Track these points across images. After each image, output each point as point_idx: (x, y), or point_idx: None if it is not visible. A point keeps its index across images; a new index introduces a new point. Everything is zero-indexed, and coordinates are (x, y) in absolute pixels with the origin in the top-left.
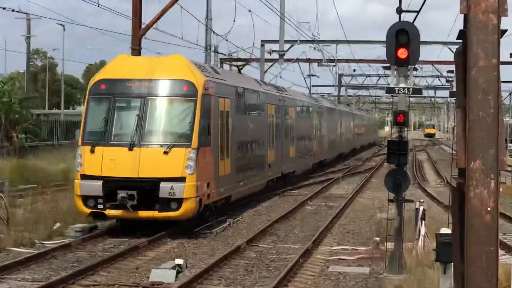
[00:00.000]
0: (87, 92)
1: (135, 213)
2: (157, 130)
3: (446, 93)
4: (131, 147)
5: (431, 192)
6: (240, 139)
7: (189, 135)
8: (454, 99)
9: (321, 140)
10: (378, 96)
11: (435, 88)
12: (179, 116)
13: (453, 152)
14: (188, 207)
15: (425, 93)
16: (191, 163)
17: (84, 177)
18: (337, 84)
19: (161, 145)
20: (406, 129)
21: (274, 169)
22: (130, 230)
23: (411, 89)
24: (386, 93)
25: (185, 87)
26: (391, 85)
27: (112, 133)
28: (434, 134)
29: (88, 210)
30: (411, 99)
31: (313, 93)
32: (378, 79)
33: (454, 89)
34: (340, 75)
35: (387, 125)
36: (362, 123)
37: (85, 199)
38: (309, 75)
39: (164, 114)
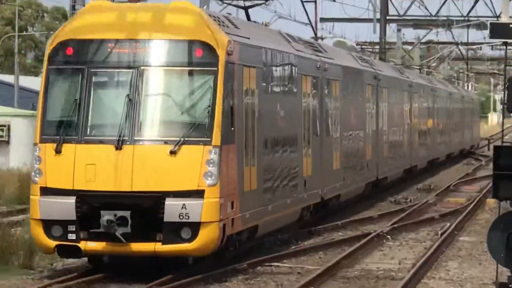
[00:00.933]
0: (46, 60)
1: (126, 246)
2: (159, 118)
3: None
4: (119, 144)
5: None
6: (270, 135)
7: (207, 125)
8: None
9: (385, 141)
10: (469, 45)
11: None
12: (191, 96)
13: None
14: (208, 236)
15: None
16: (212, 169)
17: (46, 191)
18: (374, 16)
19: (166, 142)
20: None
21: (311, 189)
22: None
23: None
24: (491, 37)
25: (199, 51)
26: (503, 19)
27: (89, 123)
28: None
29: (53, 243)
30: None
31: (323, 37)
32: (472, 7)
33: None
34: None
35: (493, 110)
36: (451, 109)
37: (48, 225)
38: None
39: (169, 93)
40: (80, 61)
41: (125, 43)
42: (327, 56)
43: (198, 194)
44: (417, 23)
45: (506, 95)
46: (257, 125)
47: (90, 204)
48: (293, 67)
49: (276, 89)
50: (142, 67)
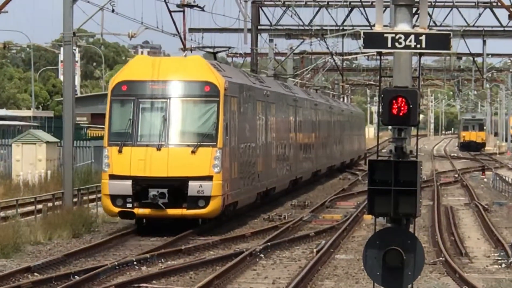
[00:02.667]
0: (109, 93)
1: (164, 211)
2: (183, 130)
3: (507, 45)
4: (158, 147)
5: None
6: (248, 140)
7: (214, 135)
8: None
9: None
10: (344, 55)
11: (483, 35)
12: (203, 116)
13: None
14: (215, 205)
15: (460, 46)
16: (217, 162)
17: (113, 177)
18: (245, 26)
19: (188, 145)
20: (413, 132)
21: (263, 179)
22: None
23: (424, 37)
24: (365, 47)
25: (207, 88)
26: (377, 28)
27: (139, 134)
28: (482, 144)
29: (116, 210)
30: (427, 61)
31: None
32: (346, 16)
33: None
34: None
35: (370, 123)
36: (332, 122)
37: (114, 198)
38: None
39: (189, 115)
40: (131, 94)
41: (159, 82)
42: (266, 85)
43: (209, 178)
44: (289, 33)
45: (381, 107)
46: (237, 134)
47: (141, 185)
48: (251, 95)
49: (244, 110)
50: (171, 98)
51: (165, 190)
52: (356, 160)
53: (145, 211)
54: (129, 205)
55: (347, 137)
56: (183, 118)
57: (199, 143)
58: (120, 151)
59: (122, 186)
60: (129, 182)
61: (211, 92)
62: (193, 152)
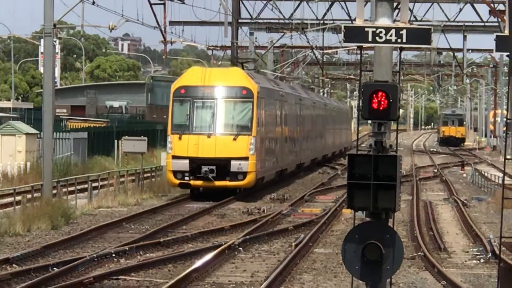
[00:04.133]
0: (171, 95)
1: (213, 183)
2: (227, 123)
3: (487, 40)
4: (209, 135)
5: (460, 284)
6: (278, 132)
7: (249, 126)
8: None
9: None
10: (325, 49)
11: (464, 31)
12: (241, 113)
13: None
14: (250, 178)
15: (440, 41)
16: (252, 147)
17: (174, 157)
18: (226, 19)
19: (231, 134)
20: (392, 126)
21: (280, 162)
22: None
23: (405, 31)
24: (346, 41)
25: (244, 91)
26: (357, 23)
27: (194, 125)
28: (462, 139)
29: (177, 181)
30: (407, 55)
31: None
32: (327, 10)
33: (507, 32)
34: None
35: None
36: (315, 116)
37: (175, 173)
38: None
39: (231, 111)
40: (188, 96)
41: (209, 87)
42: (283, 88)
43: (246, 158)
44: (270, 27)
45: (361, 101)
46: (264, 126)
47: (195, 163)
48: (272, 96)
49: (268, 108)
50: (217, 99)
51: (213, 167)
52: (344, 150)
53: (198, 182)
54: (187, 178)
55: (336, 129)
56: (227, 114)
57: (238, 133)
58: (180, 138)
59: (182, 164)
60: (187, 161)
61: (247, 94)
62: (234, 139)
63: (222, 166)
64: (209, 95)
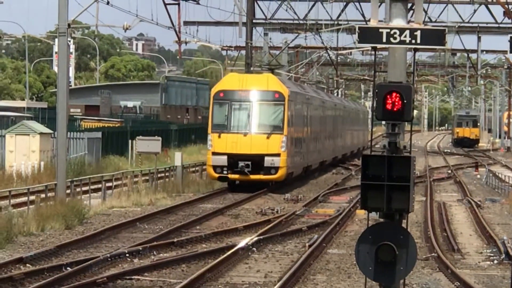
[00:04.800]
0: (211, 98)
1: (248, 176)
2: (261, 123)
3: (501, 41)
4: (245, 134)
5: (473, 285)
6: (305, 132)
7: (281, 126)
8: None
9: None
10: (339, 49)
11: (478, 32)
12: (274, 114)
13: None
14: (282, 172)
15: (454, 42)
16: (283, 145)
17: (214, 153)
18: (240, 19)
19: (264, 133)
20: (406, 127)
21: (306, 159)
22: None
23: (419, 32)
24: (360, 42)
25: (276, 95)
26: (372, 23)
27: (232, 125)
28: (476, 141)
29: (216, 175)
30: (422, 56)
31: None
32: (342, 11)
33: None
34: None
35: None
36: (346, 117)
37: (215, 168)
38: None
39: (265, 113)
40: (226, 99)
41: (245, 91)
42: (308, 92)
43: (278, 155)
44: (284, 27)
45: (375, 101)
46: (294, 127)
47: (233, 159)
48: (300, 99)
49: (297, 110)
50: (253, 102)
51: (249, 162)
52: (362, 150)
53: (235, 176)
54: (225, 172)
55: (355, 130)
56: (261, 115)
57: (271, 132)
58: (219, 136)
59: (221, 160)
60: (225, 157)
61: (279, 98)
62: (267, 137)
63: (256, 162)
64: (245, 98)
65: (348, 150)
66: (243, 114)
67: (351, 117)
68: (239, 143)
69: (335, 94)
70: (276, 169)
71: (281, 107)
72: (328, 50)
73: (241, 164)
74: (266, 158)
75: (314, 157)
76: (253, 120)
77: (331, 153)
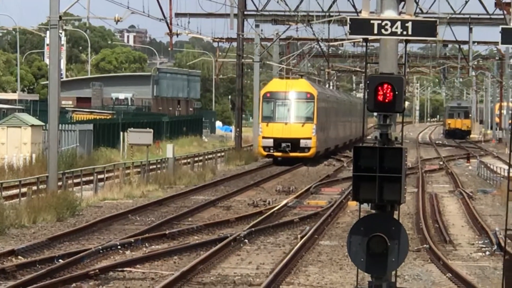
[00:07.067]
0: (261, 97)
1: (288, 154)
2: (297, 115)
3: (493, 33)
4: (285, 123)
5: (465, 276)
6: (326, 122)
7: (312, 118)
8: None
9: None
10: (330, 41)
11: (469, 23)
12: (307, 109)
13: None
14: (313, 151)
15: (446, 34)
16: (314, 131)
17: (264, 137)
18: (231, 11)
19: (300, 122)
20: (398, 119)
21: (328, 142)
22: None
23: (410, 24)
24: (351, 33)
25: (308, 95)
26: (363, 15)
27: (276, 116)
28: (468, 132)
29: (265, 153)
30: (413, 48)
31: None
32: (333, 2)
33: None
34: None
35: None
36: (352, 110)
37: (264, 148)
38: None
39: (300, 108)
40: (272, 98)
41: (286, 92)
42: (328, 91)
43: (310, 138)
44: (276, 19)
45: (366, 93)
46: (321, 118)
47: (277, 141)
48: (324, 97)
49: (326, 106)
50: (291, 100)
51: (289, 144)
52: (360, 138)
53: (279, 154)
54: (272, 151)
55: (358, 121)
56: (297, 109)
57: (305, 122)
58: (267, 125)
59: (268, 142)
60: (271, 140)
61: (311, 97)
62: (302, 126)
63: (294, 143)
64: (286, 97)
65: (353, 137)
66: (285, 108)
67: (355, 110)
68: (281, 130)
69: (327, 86)
70: (309, 148)
71: (312, 104)
72: (320, 42)
73: (283, 145)
74: (301, 140)
75: (332, 142)
76: (292, 113)
77: (342, 139)
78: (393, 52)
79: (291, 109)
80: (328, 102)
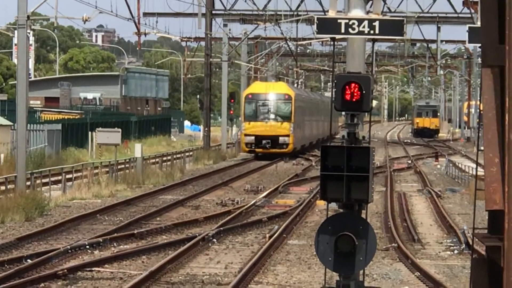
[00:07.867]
0: (244, 98)
1: (269, 150)
2: (276, 114)
3: (461, 31)
4: (266, 122)
5: (434, 275)
6: (302, 121)
7: (289, 117)
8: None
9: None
10: (298, 40)
11: (437, 22)
12: (284, 109)
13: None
14: (290, 147)
15: (414, 32)
16: (291, 129)
17: (246, 135)
18: (199, 11)
19: (278, 121)
20: (366, 118)
21: (303, 139)
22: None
23: (377, 23)
24: (318, 33)
25: (286, 96)
26: (330, 14)
27: (258, 116)
28: (436, 131)
29: (247, 149)
30: (381, 47)
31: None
32: (301, 1)
33: (479, 24)
34: None
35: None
36: (321, 109)
37: (246, 144)
38: None
39: (279, 108)
40: (253, 99)
41: (265, 94)
42: (303, 93)
43: (288, 135)
44: (244, 18)
45: (334, 92)
46: (297, 117)
47: (258, 138)
48: (300, 98)
49: (299, 106)
50: (271, 100)
51: (269, 141)
52: (335, 134)
53: (260, 150)
54: (253, 147)
55: (328, 119)
56: (276, 109)
57: (283, 121)
58: (249, 123)
59: (250, 139)
60: (253, 137)
61: (288, 98)
62: (281, 124)
63: (274, 140)
64: (266, 98)
65: (325, 135)
66: (265, 109)
67: (326, 109)
68: (262, 128)
69: (295, 85)
70: (287, 145)
71: (290, 104)
72: (288, 41)
73: (264, 141)
74: (280, 138)
75: (307, 139)
76: (271, 112)
77: (316, 136)
78: (361, 51)
79: (271, 109)
80: (304, 102)
